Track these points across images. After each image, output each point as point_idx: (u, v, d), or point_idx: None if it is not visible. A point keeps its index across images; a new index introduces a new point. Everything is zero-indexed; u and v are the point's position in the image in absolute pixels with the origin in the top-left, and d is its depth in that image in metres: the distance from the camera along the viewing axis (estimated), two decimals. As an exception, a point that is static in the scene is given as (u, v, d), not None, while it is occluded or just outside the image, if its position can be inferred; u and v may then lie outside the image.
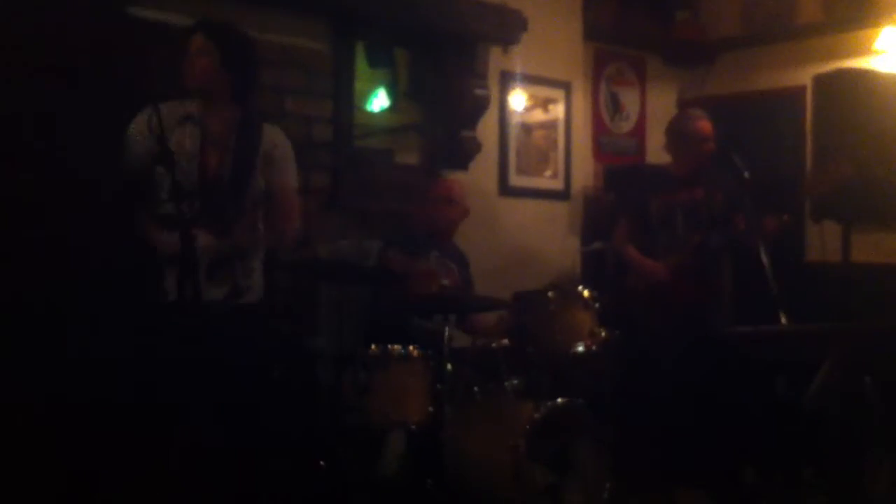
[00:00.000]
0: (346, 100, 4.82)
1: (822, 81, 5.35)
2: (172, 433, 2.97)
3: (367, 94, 5.18)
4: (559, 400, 3.68)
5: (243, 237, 3.33)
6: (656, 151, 5.66)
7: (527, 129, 5.63)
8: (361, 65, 4.98)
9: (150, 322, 3.14)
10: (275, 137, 3.46)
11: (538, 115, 5.69)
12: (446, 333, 3.71)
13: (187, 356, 2.83)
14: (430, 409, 3.64)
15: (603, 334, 3.91)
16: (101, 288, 3.23)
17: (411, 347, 3.67)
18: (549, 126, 5.74)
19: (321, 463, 3.50)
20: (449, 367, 3.70)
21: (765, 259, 4.09)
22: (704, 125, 4.64)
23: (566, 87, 5.81)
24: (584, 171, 6.00)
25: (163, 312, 3.16)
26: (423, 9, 4.82)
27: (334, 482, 3.50)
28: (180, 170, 3.11)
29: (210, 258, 3.21)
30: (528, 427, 3.55)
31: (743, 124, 6.04)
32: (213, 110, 3.35)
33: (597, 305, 3.96)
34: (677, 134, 4.74)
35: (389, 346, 3.68)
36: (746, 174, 4.30)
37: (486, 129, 5.35)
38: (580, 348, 3.88)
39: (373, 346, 3.67)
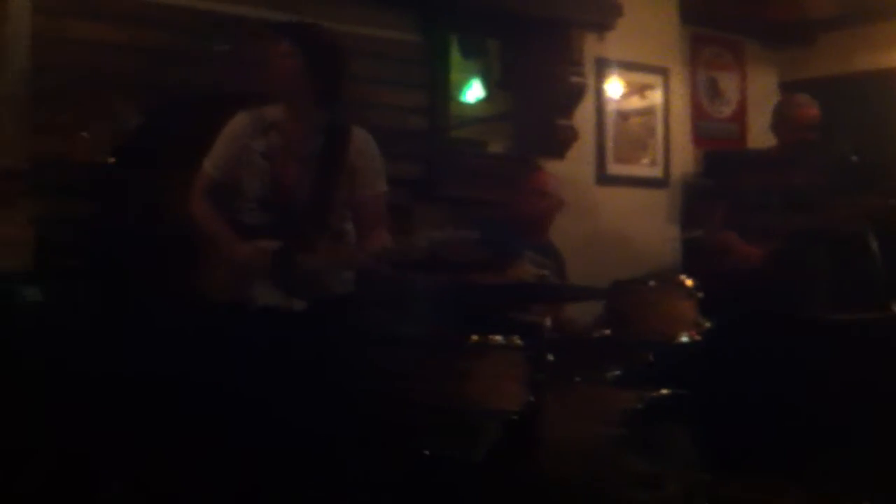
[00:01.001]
0: (441, 90, 4.82)
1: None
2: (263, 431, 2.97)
3: (460, 85, 5.18)
4: (662, 390, 3.61)
5: (328, 247, 3.21)
6: (757, 135, 5.52)
7: (623, 116, 5.56)
8: (455, 55, 4.97)
9: (239, 328, 3.11)
10: (361, 144, 3.28)
11: (635, 102, 5.61)
12: (546, 323, 3.67)
13: (275, 359, 2.84)
14: (530, 398, 3.60)
15: (707, 324, 3.83)
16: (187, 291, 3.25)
17: (511, 337, 3.64)
18: (647, 113, 5.66)
19: (424, 452, 3.49)
20: (549, 356, 3.66)
21: (873, 245, 3.95)
22: (810, 112, 4.55)
23: (663, 72, 5.72)
24: (683, 158, 5.88)
25: (251, 319, 3.12)
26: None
27: (434, 471, 3.49)
28: (263, 178, 3.11)
29: (297, 268, 3.11)
30: (628, 417, 3.50)
31: (845, 106, 5.84)
32: (297, 116, 3.22)
33: (699, 294, 3.88)
34: (782, 118, 4.66)
35: (489, 336, 3.65)
36: (854, 158, 4.17)
37: (582, 116, 5.29)
38: (684, 338, 3.80)
39: (472, 336, 3.64)
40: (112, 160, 2.86)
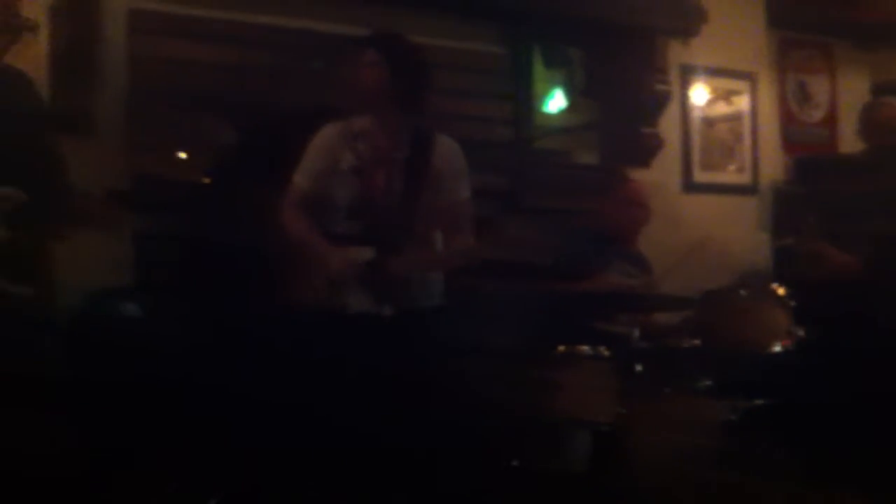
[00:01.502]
0: (524, 101, 4.83)
1: None
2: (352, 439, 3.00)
3: (544, 95, 5.17)
4: (754, 401, 3.56)
5: (419, 254, 3.27)
6: (849, 140, 5.40)
7: (709, 122, 5.49)
8: (538, 65, 4.97)
9: (332, 336, 3.16)
10: (446, 151, 3.33)
11: (721, 108, 5.55)
12: (634, 333, 3.65)
13: (366, 368, 2.87)
14: (619, 409, 3.58)
15: (801, 333, 3.76)
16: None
17: (599, 347, 3.63)
18: (734, 119, 5.58)
19: (513, 462, 3.50)
20: (638, 367, 3.64)
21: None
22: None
23: (750, 77, 5.64)
24: (773, 164, 5.78)
25: (343, 327, 3.15)
26: (597, 5, 4.76)
27: (525, 481, 3.49)
28: (352, 187, 3.16)
29: (387, 275, 3.16)
30: (720, 428, 3.46)
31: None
32: (383, 125, 3.28)
33: (792, 303, 3.82)
34: (868, 122, 4.56)
35: (576, 346, 3.64)
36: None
37: (667, 124, 5.24)
38: (776, 348, 3.74)
39: (560, 346, 3.64)
40: (207, 178, 2.94)
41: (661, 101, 5.12)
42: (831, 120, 6.19)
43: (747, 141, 5.61)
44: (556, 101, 5.21)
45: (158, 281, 3.78)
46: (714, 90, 5.49)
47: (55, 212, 2.74)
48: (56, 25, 3.66)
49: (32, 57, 2.84)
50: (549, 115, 5.19)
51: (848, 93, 6.17)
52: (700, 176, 5.42)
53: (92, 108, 3.75)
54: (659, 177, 5.16)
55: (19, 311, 2.65)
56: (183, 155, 2.81)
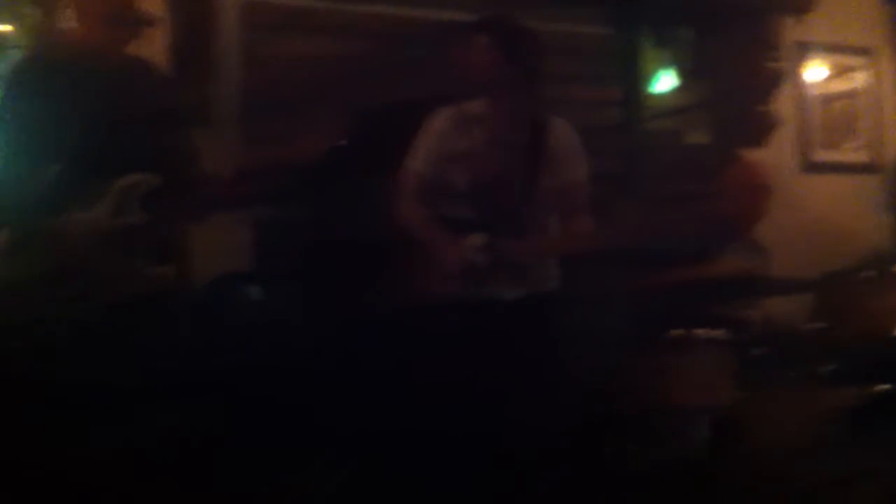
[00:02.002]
0: (633, 83, 4.78)
1: None
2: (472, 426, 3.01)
3: (653, 75, 5.09)
4: (879, 387, 3.46)
5: (538, 237, 3.29)
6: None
7: (826, 100, 5.35)
8: (646, 46, 4.90)
9: (451, 323, 3.17)
10: (561, 131, 3.36)
11: (838, 85, 5.40)
12: (753, 318, 3.58)
13: (484, 354, 2.88)
14: (738, 394, 3.52)
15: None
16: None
17: (717, 332, 3.57)
18: (851, 96, 5.43)
19: (630, 448, 3.47)
20: (756, 352, 3.56)
21: None
22: None
23: (868, 52, 5.47)
24: (894, 141, 5.59)
25: (462, 313, 3.17)
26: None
27: (640, 468, 3.46)
28: (467, 171, 3.16)
29: (508, 259, 3.16)
30: (843, 415, 3.37)
31: None
32: (498, 108, 3.30)
33: (919, 285, 3.69)
34: None
35: (694, 331, 3.59)
36: None
37: (782, 102, 5.11)
38: (901, 331, 3.63)
39: (677, 331, 3.59)
40: (322, 167, 2.99)
41: (774, 80, 5.00)
42: (956, 93, 5.97)
43: (867, 118, 5.45)
44: (665, 82, 5.14)
45: (280, 266, 3.87)
46: (830, 67, 5.34)
47: (186, 197, 2.81)
48: (174, 18, 3.76)
49: (152, 50, 2.90)
50: (658, 96, 5.12)
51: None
52: (819, 155, 5.29)
53: (209, 99, 3.85)
54: (774, 156, 5.04)
55: (155, 294, 2.74)
56: (297, 144, 2.86)
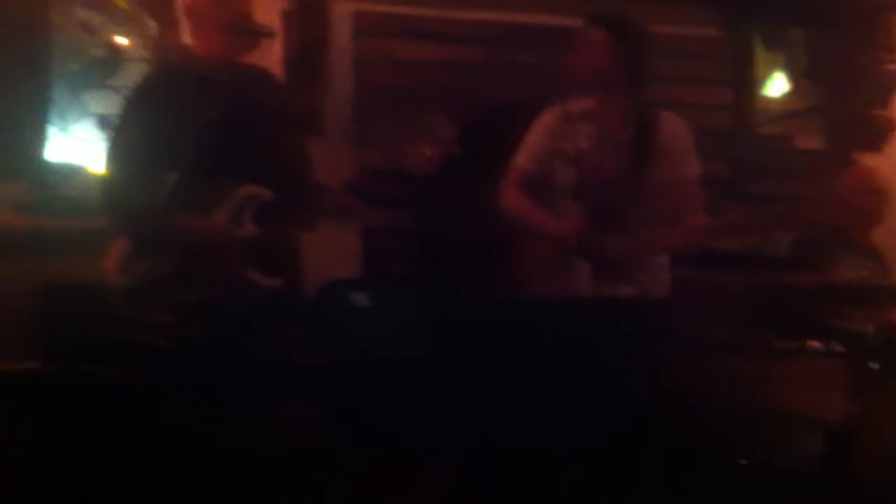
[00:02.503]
0: (744, 85, 4.71)
1: None
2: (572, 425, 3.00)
3: (764, 79, 5.01)
4: None
5: (647, 235, 3.26)
6: None
7: (947, 103, 5.15)
8: (758, 48, 4.82)
9: (558, 320, 3.18)
10: (672, 127, 3.33)
11: (960, 88, 5.18)
12: (869, 329, 3.48)
13: (589, 352, 2.87)
14: (851, 407, 3.43)
15: None
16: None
17: (830, 342, 3.49)
18: (974, 98, 5.21)
19: (741, 462, 3.42)
20: (873, 364, 3.46)
21: None
22: None
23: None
24: None
25: (576, 308, 3.18)
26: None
27: (752, 479, 3.40)
28: (576, 168, 3.16)
29: (616, 257, 3.16)
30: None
31: None
32: (608, 105, 3.28)
33: None
34: None
35: (806, 341, 3.51)
36: None
37: (901, 105, 4.96)
38: None
39: (788, 340, 3.52)
40: (430, 171, 3.02)
41: (891, 82, 4.85)
42: None
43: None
44: (776, 85, 5.04)
45: (386, 271, 3.93)
46: (951, 68, 5.14)
47: (298, 207, 2.87)
48: (288, 30, 3.86)
49: (268, 61, 2.97)
50: (770, 99, 5.03)
51: None
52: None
53: (322, 107, 3.94)
54: (892, 161, 4.89)
55: (268, 302, 2.80)
56: (406, 148, 2.90)
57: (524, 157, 3.34)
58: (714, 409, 3.55)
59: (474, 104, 4.08)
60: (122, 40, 4.01)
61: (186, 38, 2.90)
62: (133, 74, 3.94)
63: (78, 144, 3.92)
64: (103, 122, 3.94)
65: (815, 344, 3.50)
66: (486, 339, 3.33)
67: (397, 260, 3.97)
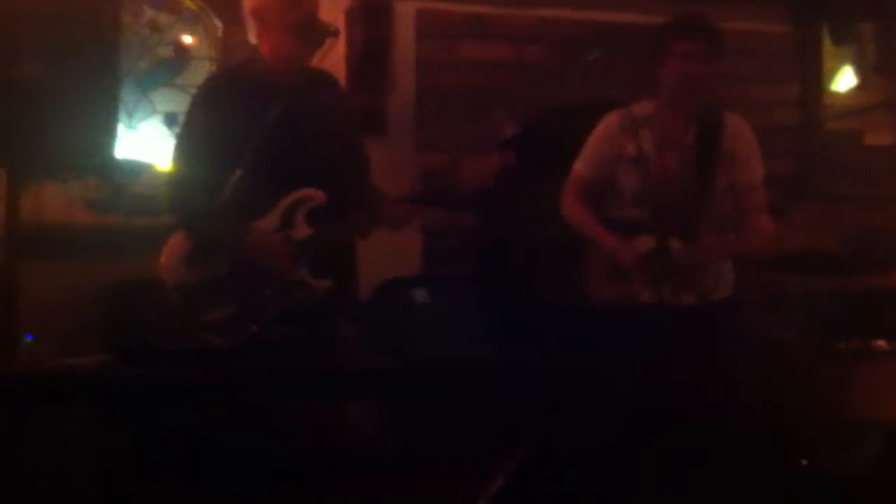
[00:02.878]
0: (812, 81, 4.63)
1: None
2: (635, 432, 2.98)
3: (832, 74, 4.92)
4: None
5: (712, 239, 3.21)
6: None
7: None
8: (825, 43, 4.73)
9: (622, 326, 3.15)
10: (737, 129, 3.27)
11: None
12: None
13: (654, 358, 2.85)
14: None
15: None
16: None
17: (891, 343, 3.43)
18: None
19: (802, 461, 3.37)
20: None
21: None
22: None
23: None
24: None
25: (635, 314, 3.14)
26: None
27: (811, 481, 3.35)
28: (639, 174, 3.12)
29: (680, 262, 3.11)
30: None
31: None
32: (673, 108, 3.24)
33: None
34: None
35: (872, 341, 3.45)
36: None
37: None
38: None
39: (854, 342, 3.46)
40: (494, 174, 3.02)
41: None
42: None
43: None
44: (844, 80, 4.95)
45: (447, 272, 3.94)
46: None
47: (353, 211, 2.88)
48: (351, 29, 3.88)
49: (331, 60, 2.98)
50: (838, 95, 4.94)
51: None
52: None
53: (385, 108, 3.96)
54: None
55: (321, 304, 2.82)
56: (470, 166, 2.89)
57: (583, 165, 3.31)
58: (779, 413, 3.51)
59: (538, 105, 4.07)
60: (189, 40, 4.07)
61: (252, 38, 2.94)
62: (200, 74, 4.01)
63: (146, 142, 4.00)
64: (171, 121, 4.02)
65: (883, 345, 3.44)
66: (546, 342, 3.33)
67: (457, 261, 3.97)
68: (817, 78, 4.66)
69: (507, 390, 3.32)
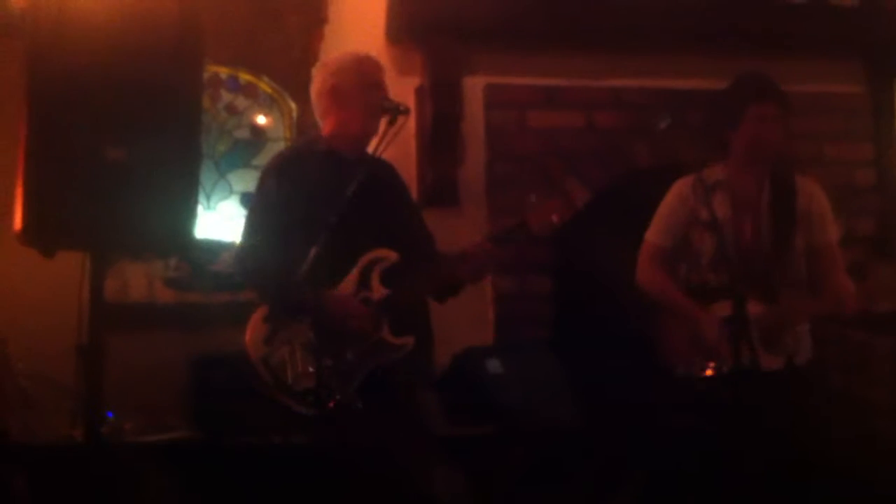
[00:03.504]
0: (887, 140, 4.56)
1: None
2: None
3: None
4: None
5: (792, 303, 3.18)
6: None
7: None
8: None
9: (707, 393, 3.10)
10: (810, 190, 3.28)
11: None
12: None
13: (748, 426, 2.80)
14: None
15: None
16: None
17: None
18: None
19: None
20: None
21: None
22: None
23: None
24: None
25: (720, 383, 3.07)
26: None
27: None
28: (714, 238, 3.09)
29: (762, 326, 3.05)
30: None
31: None
32: (747, 171, 3.25)
33: None
34: None
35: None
36: None
37: None
38: None
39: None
40: (559, 230, 3.04)
41: None
42: None
43: None
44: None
45: (519, 339, 3.94)
46: None
47: (426, 274, 2.92)
48: (421, 105, 3.96)
49: (402, 135, 3.05)
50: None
51: None
52: None
53: (456, 179, 4.02)
54: None
55: (400, 364, 2.84)
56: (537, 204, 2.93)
57: (657, 233, 3.31)
58: (858, 474, 3.40)
59: (609, 169, 4.10)
60: (264, 121, 4.18)
61: (326, 117, 3.03)
62: (276, 154, 4.12)
63: (225, 222, 4.10)
64: (247, 201, 4.11)
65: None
66: (627, 409, 3.29)
67: (531, 325, 3.98)
68: (892, 136, 4.60)
69: (590, 458, 3.29)
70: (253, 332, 2.85)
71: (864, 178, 4.43)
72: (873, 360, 4.04)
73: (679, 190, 3.29)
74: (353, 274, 2.86)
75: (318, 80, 3.05)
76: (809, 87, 4.21)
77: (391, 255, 2.87)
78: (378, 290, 2.86)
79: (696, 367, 3.08)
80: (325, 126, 3.05)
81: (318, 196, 2.83)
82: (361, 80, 2.98)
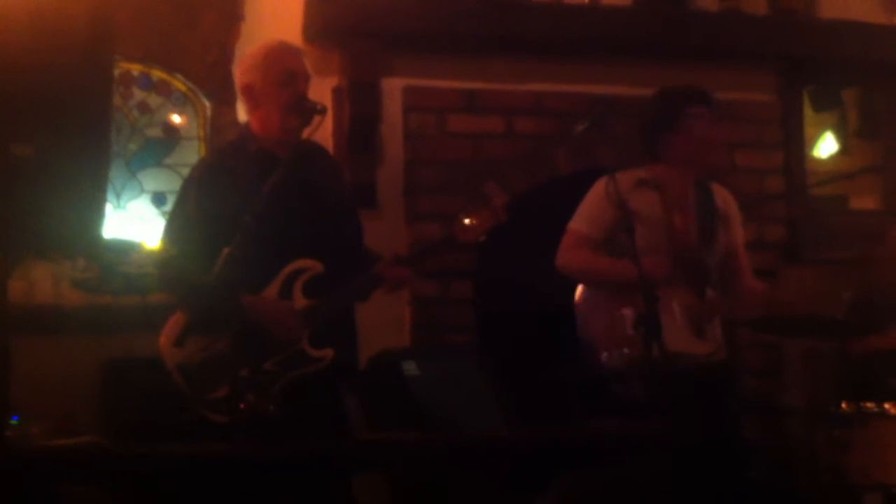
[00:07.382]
0: (796, 148, 4.69)
1: None
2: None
3: (814, 140, 4.97)
4: None
5: (717, 296, 3.30)
6: None
7: None
8: (807, 110, 4.79)
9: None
10: (724, 193, 3.44)
11: None
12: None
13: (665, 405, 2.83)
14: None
15: None
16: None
17: (888, 405, 3.42)
18: None
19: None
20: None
21: None
22: None
23: None
24: None
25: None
26: (878, 43, 4.56)
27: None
28: (644, 234, 3.11)
29: (690, 316, 3.19)
30: None
31: None
32: (678, 172, 3.32)
33: None
34: None
35: (864, 403, 3.44)
36: None
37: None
38: None
39: (845, 403, 3.45)
40: (483, 241, 3.03)
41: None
42: None
43: None
44: (826, 146, 5.01)
45: (434, 342, 3.93)
46: None
47: (350, 279, 2.87)
48: (338, 106, 3.93)
49: (318, 136, 3.01)
50: (821, 161, 4.99)
51: None
52: None
53: (374, 181, 3.99)
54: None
55: (321, 374, 2.79)
56: (463, 220, 2.92)
57: (580, 221, 3.32)
58: (778, 472, 3.48)
59: (529, 174, 4.12)
60: (178, 120, 4.10)
61: (243, 116, 2.96)
62: (189, 153, 4.04)
63: (135, 222, 4.01)
64: (159, 200, 4.03)
65: (875, 407, 3.44)
66: (550, 409, 3.30)
67: (450, 330, 3.96)
68: (801, 145, 4.72)
69: (511, 463, 3.29)
70: (167, 338, 2.78)
71: (774, 185, 4.53)
72: (785, 362, 4.15)
73: (604, 185, 3.28)
74: (276, 283, 2.80)
75: (236, 78, 3.01)
76: (722, 95, 4.28)
77: (316, 266, 2.81)
78: (300, 301, 2.80)
79: (615, 355, 3.11)
80: (252, 124, 2.97)
81: (249, 200, 2.76)
82: (270, 76, 2.89)
